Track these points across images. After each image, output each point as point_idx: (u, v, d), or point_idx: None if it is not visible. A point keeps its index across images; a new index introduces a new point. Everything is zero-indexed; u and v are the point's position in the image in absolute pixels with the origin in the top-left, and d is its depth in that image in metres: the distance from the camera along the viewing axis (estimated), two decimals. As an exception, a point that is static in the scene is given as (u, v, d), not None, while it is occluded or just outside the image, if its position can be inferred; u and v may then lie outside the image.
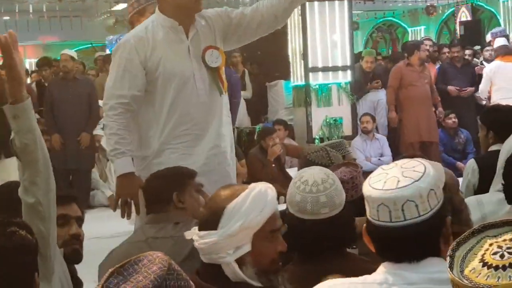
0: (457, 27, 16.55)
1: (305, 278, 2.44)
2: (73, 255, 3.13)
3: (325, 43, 9.78)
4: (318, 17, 9.77)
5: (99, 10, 16.35)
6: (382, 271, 1.99)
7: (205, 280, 2.24)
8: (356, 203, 2.86)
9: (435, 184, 1.97)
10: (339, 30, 9.93)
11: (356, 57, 10.69)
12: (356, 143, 9.35)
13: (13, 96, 2.59)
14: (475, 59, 11.37)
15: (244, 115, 10.84)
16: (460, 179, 4.08)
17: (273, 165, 8.46)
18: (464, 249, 1.59)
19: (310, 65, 9.82)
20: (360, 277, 2.02)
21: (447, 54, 10.99)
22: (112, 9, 15.90)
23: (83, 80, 9.14)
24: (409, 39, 17.74)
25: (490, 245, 1.55)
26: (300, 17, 9.73)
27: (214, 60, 3.89)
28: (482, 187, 4.19)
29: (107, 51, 15.17)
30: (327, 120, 9.74)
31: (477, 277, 1.50)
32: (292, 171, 8.33)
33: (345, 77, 10.00)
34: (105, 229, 7.01)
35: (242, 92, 10.27)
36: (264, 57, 12.31)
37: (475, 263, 1.53)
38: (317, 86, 9.81)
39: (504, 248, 1.51)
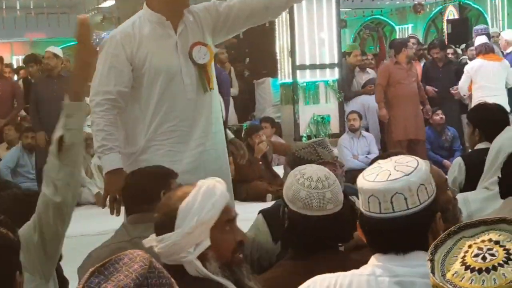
0: (445, 26, 16.57)
1: (299, 274, 2.43)
2: None
3: (312, 40, 9.79)
4: (306, 14, 9.78)
5: (87, 7, 16.31)
6: (371, 264, 2.05)
7: None
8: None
9: (426, 179, 2.03)
10: (327, 27, 9.93)
11: (344, 55, 10.69)
12: (343, 141, 9.35)
13: (75, 94, 2.61)
14: (464, 57, 11.39)
15: (232, 112, 10.84)
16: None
17: (260, 162, 8.45)
18: (442, 252, 1.58)
19: (297, 63, 9.83)
20: (350, 271, 2.08)
21: (436, 54, 11.00)
22: (100, 6, 15.86)
23: (68, 77, 9.06)
24: (397, 37, 17.76)
25: (470, 246, 1.53)
26: (288, 15, 9.73)
27: (202, 56, 3.86)
28: (469, 185, 4.19)
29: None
30: (315, 118, 9.74)
31: (460, 281, 1.49)
32: (279, 169, 8.33)
33: (333, 75, 10.00)
34: (92, 227, 6.96)
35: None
36: (252, 55, 12.31)
37: (457, 266, 1.51)
38: (304, 84, 9.82)
39: (485, 250, 1.50)
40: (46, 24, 16.34)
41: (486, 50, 9.80)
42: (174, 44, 3.83)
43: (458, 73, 10.15)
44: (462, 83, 9.62)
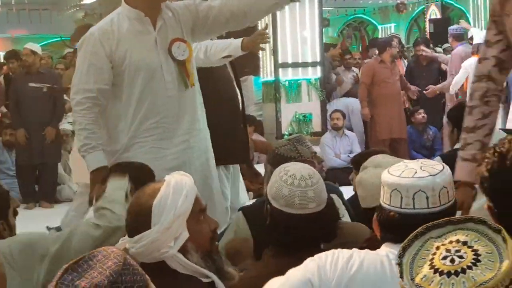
0: (427, 25, 16.63)
1: (279, 272, 2.40)
2: None
3: (295, 39, 9.80)
4: (289, 13, 9.77)
5: (69, 3, 16.22)
6: (384, 249, 2.13)
7: None
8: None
9: (449, 183, 2.11)
10: (309, 26, 9.94)
11: (327, 47, 10.72)
12: (325, 140, 9.36)
13: None
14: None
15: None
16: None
17: (242, 160, 8.42)
18: (410, 254, 1.56)
19: (280, 61, 9.82)
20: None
21: (420, 52, 11.01)
22: (81, 2, 15.77)
23: (47, 74, 8.99)
24: (379, 36, 17.81)
25: (437, 248, 1.51)
26: (270, 14, 9.72)
27: (181, 52, 3.83)
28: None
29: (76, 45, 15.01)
30: (297, 116, 9.74)
31: (429, 284, 1.46)
32: (260, 167, 8.31)
33: (315, 73, 10.01)
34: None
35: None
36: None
37: (426, 269, 1.48)
38: (286, 82, 9.82)
39: (453, 252, 1.48)
40: (28, 21, 16.24)
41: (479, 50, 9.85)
42: (154, 40, 3.80)
43: (442, 72, 10.21)
44: (458, 79, 9.63)
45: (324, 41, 10.68)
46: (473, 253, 1.46)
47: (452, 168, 3.86)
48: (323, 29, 10.73)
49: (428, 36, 15.17)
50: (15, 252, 2.59)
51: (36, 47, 9.02)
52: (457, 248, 1.48)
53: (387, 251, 2.11)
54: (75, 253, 2.52)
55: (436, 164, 2.15)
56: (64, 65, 11.75)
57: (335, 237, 2.73)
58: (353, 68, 11.09)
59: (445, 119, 8.99)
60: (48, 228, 6.63)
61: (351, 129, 9.89)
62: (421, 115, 9.88)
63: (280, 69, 9.80)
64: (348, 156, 9.13)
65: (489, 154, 1.92)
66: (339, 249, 2.17)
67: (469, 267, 1.43)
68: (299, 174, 2.66)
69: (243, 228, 3.49)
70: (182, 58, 3.83)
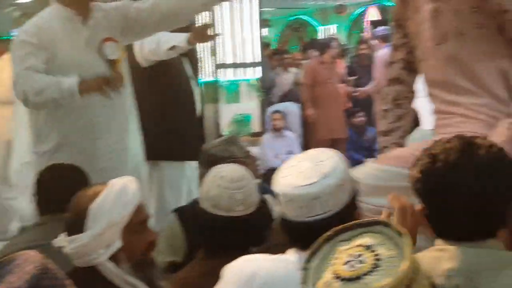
0: (366, 27, 16.80)
1: (210, 274, 2.43)
2: None
3: (235, 39, 9.78)
4: (228, 13, 9.76)
5: (5, 2, 15.91)
6: (291, 254, 2.09)
7: (79, 285, 2.19)
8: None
9: (344, 178, 2.03)
10: (249, 26, 9.94)
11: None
12: (265, 140, 9.36)
13: None
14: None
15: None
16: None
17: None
18: (318, 258, 1.53)
19: (219, 62, 9.80)
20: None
21: (363, 50, 11.08)
22: (18, 1, 15.49)
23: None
24: (320, 38, 17.93)
25: (342, 252, 1.49)
26: (209, 13, 9.69)
27: (113, 52, 3.82)
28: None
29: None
30: (236, 117, 9.73)
31: None
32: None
33: (255, 74, 10.01)
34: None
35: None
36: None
37: (328, 274, 1.46)
38: (226, 83, 9.80)
39: (354, 257, 1.46)
40: (-38, 19, 15.88)
41: None
42: (85, 39, 3.77)
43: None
44: None
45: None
46: (374, 257, 1.44)
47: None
48: (265, 30, 10.75)
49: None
50: None
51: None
52: (359, 253, 1.46)
53: (296, 256, 2.07)
54: None
55: (326, 159, 2.06)
56: None
57: (263, 242, 2.72)
58: (291, 69, 11.14)
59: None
60: None
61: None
62: (360, 118, 9.96)
63: (220, 70, 9.78)
64: (288, 156, 9.15)
65: (421, 156, 1.91)
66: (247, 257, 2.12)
67: (367, 273, 1.41)
68: (229, 176, 2.65)
69: (176, 230, 3.46)
70: (113, 57, 3.81)
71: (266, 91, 10.28)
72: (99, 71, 3.75)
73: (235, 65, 9.84)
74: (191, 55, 5.10)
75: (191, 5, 3.89)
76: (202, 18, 9.69)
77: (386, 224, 1.51)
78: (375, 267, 1.42)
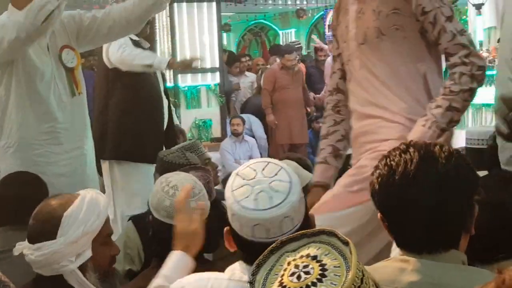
0: (326, 30, 16.87)
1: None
2: None
3: (194, 44, 9.75)
4: (187, 18, 9.73)
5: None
6: (236, 269, 1.98)
7: None
8: (210, 207, 2.84)
9: (300, 189, 1.95)
10: (208, 31, 9.91)
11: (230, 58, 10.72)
12: (225, 145, 9.34)
13: None
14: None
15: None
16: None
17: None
18: (265, 270, 1.50)
19: (178, 67, 9.74)
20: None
21: (322, 57, 11.11)
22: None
23: None
24: (280, 42, 17.96)
25: (289, 264, 1.45)
26: (168, 18, 9.66)
27: (70, 60, 3.85)
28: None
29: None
30: (196, 122, 9.70)
31: None
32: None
33: (214, 79, 9.99)
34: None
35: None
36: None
37: (275, 286, 1.43)
38: (186, 88, 9.77)
39: (301, 268, 1.42)
40: None
41: None
42: (46, 46, 3.77)
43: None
44: None
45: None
46: (320, 268, 1.42)
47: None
48: (225, 35, 10.74)
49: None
50: None
51: None
52: (305, 264, 1.43)
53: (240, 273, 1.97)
54: None
55: (279, 173, 1.93)
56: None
57: (216, 247, 2.71)
58: (247, 73, 11.14)
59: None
60: None
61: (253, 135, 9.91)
62: (319, 124, 9.98)
63: (179, 75, 9.74)
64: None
65: (380, 165, 1.87)
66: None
67: (314, 284, 1.39)
68: (180, 185, 2.64)
69: (133, 238, 3.44)
70: (71, 65, 3.85)
71: (226, 96, 10.27)
72: (59, 78, 3.76)
73: (194, 70, 9.81)
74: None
75: (141, 9, 3.90)
76: (162, 23, 9.67)
77: (330, 233, 1.51)
78: (321, 277, 1.40)
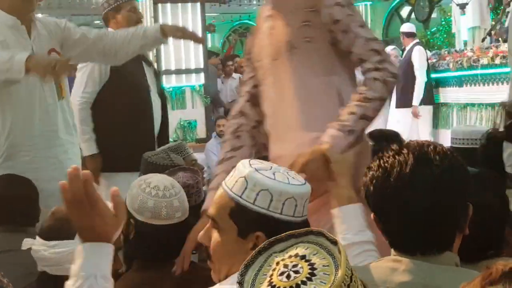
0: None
1: (144, 285, 2.44)
2: None
3: (178, 45, 9.74)
4: (171, 19, 9.72)
5: None
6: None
7: None
8: (200, 207, 2.84)
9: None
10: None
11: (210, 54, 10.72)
12: (210, 146, 9.34)
13: None
14: None
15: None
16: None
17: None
18: (253, 271, 1.49)
19: (163, 68, 9.75)
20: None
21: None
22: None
23: None
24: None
25: (277, 264, 1.45)
26: (152, 19, 9.65)
27: None
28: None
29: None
30: (181, 123, 9.70)
31: None
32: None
33: (199, 80, 9.99)
34: None
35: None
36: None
37: (265, 286, 1.42)
38: (170, 89, 9.76)
39: (290, 267, 1.42)
40: None
41: None
42: (30, 49, 3.76)
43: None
44: None
45: (208, 49, 10.72)
46: (309, 267, 1.42)
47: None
48: (210, 35, 10.74)
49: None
50: None
51: None
52: (294, 263, 1.43)
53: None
54: None
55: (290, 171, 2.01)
56: None
57: (202, 245, 2.71)
58: (234, 75, 11.15)
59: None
60: None
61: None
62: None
63: (164, 76, 9.73)
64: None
65: (374, 166, 1.85)
66: None
67: (303, 282, 1.38)
68: (162, 185, 2.63)
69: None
70: None
71: (211, 97, 10.27)
72: (41, 82, 3.74)
73: (178, 71, 9.80)
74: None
75: (131, 46, 3.97)
76: (145, 24, 9.64)
77: (318, 233, 1.50)
78: (311, 276, 1.40)
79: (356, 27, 2.63)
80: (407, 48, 9.56)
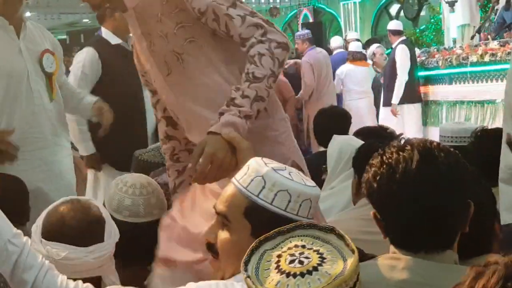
0: (300, 29, 16.94)
1: (124, 283, 2.34)
2: None
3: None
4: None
5: None
6: None
7: None
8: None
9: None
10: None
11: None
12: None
13: None
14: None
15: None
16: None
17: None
18: (252, 268, 1.53)
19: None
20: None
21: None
22: None
23: None
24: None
25: (279, 256, 1.49)
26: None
27: (50, 65, 3.84)
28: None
29: None
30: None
31: (288, 286, 1.46)
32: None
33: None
34: None
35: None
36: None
37: (277, 277, 1.46)
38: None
39: (297, 255, 1.47)
40: None
41: (353, 57, 10.29)
42: (18, 49, 3.72)
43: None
44: (335, 85, 9.92)
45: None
46: (316, 253, 1.47)
47: (316, 172, 3.94)
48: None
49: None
50: None
51: None
52: (300, 252, 1.48)
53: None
54: None
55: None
56: None
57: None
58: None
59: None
60: None
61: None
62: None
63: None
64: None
65: (376, 163, 1.81)
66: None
67: (319, 264, 1.44)
68: (138, 183, 2.68)
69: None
70: (50, 70, 3.85)
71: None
72: (34, 82, 3.72)
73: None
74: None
75: (72, 108, 4.13)
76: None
77: (308, 226, 1.53)
78: (322, 260, 1.45)
79: (224, 10, 2.47)
80: (393, 46, 9.58)
